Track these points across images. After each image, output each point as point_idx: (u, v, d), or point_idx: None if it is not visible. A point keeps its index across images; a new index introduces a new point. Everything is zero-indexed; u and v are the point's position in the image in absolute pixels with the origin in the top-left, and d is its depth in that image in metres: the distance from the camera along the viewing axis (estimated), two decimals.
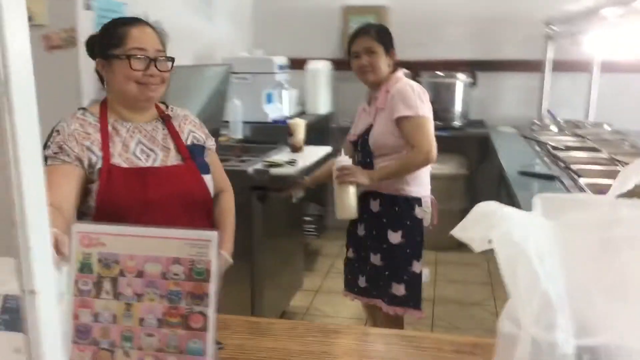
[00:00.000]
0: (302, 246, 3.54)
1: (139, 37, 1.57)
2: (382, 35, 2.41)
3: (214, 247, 0.88)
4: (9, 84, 0.57)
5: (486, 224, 0.88)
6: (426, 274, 2.51)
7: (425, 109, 2.34)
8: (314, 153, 3.05)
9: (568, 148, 3.29)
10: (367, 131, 2.42)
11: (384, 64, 2.39)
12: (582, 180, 2.45)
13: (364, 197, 2.44)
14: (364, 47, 2.38)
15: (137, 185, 1.53)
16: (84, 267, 0.91)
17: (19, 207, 0.59)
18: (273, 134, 3.74)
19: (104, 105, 1.64)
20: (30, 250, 0.60)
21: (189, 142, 1.68)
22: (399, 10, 4.53)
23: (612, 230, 0.90)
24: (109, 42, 1.57)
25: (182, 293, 0.89)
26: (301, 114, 4.45)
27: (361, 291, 2.53)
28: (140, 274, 0.90)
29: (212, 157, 1.77)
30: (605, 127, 3.97)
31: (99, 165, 1.53)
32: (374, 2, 4.48)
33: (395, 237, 2.38)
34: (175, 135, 1.67)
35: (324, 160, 3.05)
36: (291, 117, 4.02)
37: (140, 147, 1.60)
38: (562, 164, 2.84)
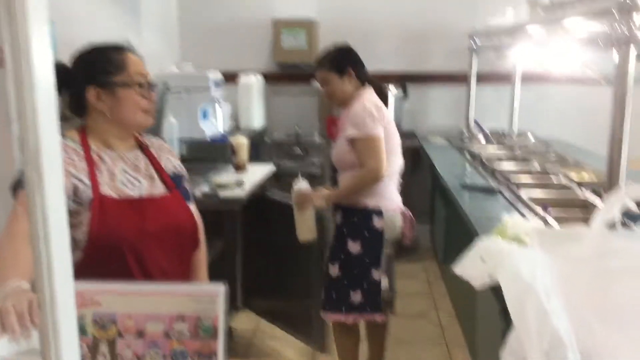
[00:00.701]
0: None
1: (137, 63, 1.57)
2: (334, 62, 2.52)
3: (221, 302, 0.84)
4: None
5: (490, 261, 0.89)
6: (385, 282, 2.58)
7: (374, 128, 2.40)
8: (257, 171, 3.00)
9: (500, 159, 3.42)
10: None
11: (340, 88, 2.51)
12: (523, 193, 2.55)
13: (332, 211, 2.57)
14: (320, 79, 2.57)
15: (134, 217, 1.48)
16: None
17: (48, 287, 0.53)
18: (211, 151, 3.65)
19: (82, 132, 1.56)
20: (60, 337, 0.54)
21: (170, 171, 1.65)
22: (327, 24, 4.56)
23: (607, 261, 0.94)
24: (108, 70, 1.51)
25: (187, 353, 0.84)
26: (235, 129, 4.38)
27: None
28: (140, 334, 0.84)
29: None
30: (529, 136, 4.16)
31: (88, 195, 1.45)
32: (303, 16, 4.48)
33: (354, 247, 2.48)
34: (156, 164, 1.63)
35: (275, 176, 3.04)
36: (227, 134, 3.94)
37: (126, 176, 1.55)
38: (500, 177, 2.94)
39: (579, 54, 3.14)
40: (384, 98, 2.59)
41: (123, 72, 1.53)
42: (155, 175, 1.61)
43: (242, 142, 2.95)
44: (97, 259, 1.42)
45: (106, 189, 1.49)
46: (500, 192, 2.69)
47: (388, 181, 2.51)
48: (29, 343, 1.05)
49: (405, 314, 3.59)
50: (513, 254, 0.90)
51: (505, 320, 2.11)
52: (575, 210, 2.42)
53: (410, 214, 2.63)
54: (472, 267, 0.92)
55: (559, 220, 2.16)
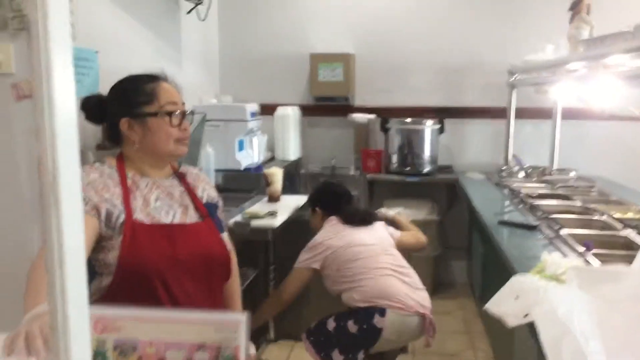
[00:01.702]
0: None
1: (169, 92, 1.59)
2: (308, 199, 2.97)
3: (242, 332, 0.82)
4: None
5: (525, 299, 0.85)
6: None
7: (302, 259, 2.63)
8: (291, 202, 3.00)
9: (540, 196, 3.33)
10: None
11: (312, 220, 2.90)
12: (563, 231, 2.47)
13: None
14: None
15: (165, 242, 1.49)
16: (97, 356, 0.83)
17: (61, 312, 0.52)
18: (246, 181, 3.68)
19: (120, 159, 1.59)
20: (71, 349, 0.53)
21: (204, 200, 1.66)
22: (364, 57, 4.59)
23: None
24: (138, 100, 1.53)
25: None
26: (271, 159, 4.41)
27: None
28: None
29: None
30: (571, 173, 4.06)
31: (121, 220, 1.47)
32: (341, 50, 4.53)
33: (352, 328, 2.51)
34: (191, 193, 1.64)
35: (301, 209, 3.05)
36: (263, 165, 3.97)
37: (159, 203, 1.57)
38: (539, 213, 2.86)
39: (620, 90, 3.07)
40: (359, 221, 2.75)
41: (153, 102, 1.55)
42: (190, 204, 1.61)
43: (276, 173, 2.96)
44: (126, 283, 1.43)
45: (139, 215, 1.50)
46: (540, 229, 2.61)
47: (383, 280, 2.54)
48: None
49: (441, 352, 3.49)
50: (549, 292, 0.86)
51: None
52: (618, 250, 2.33)
53: (431, 317, 2.61)
54: (506, 304, 0.88)
55: (600, 259, 2.08)
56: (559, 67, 3.40)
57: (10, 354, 1.05)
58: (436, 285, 4.43)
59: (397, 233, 2.85)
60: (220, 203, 1.75)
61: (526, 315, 0.87)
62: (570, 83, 3.55)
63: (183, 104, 1.62)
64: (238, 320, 0.82)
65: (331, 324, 2.55)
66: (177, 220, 1.56)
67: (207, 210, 1.63)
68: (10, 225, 2.38)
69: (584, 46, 2.84)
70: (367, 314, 2.48)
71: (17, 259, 2.15)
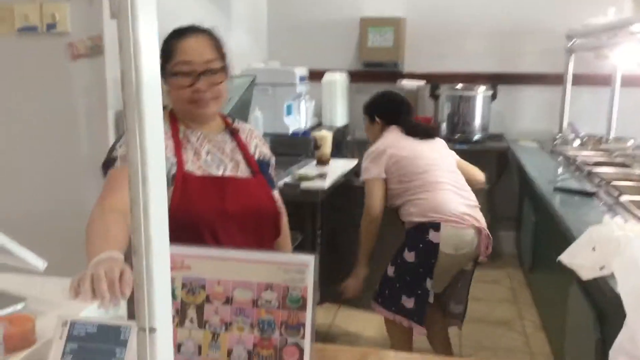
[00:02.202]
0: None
1: (186, 50, 1.51)
2: (366, 108, 2.84)
3: (311, 273, 0.81)
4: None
5: (603, 250, 0.81)
6: (431, 293, 2.53)
7: (370, 172, 2.59)
8: (340, 166, 2.98)
9: (597, 164, 3.22)
10: None
11: (370, 131, 2.81)
12: (623, 198, 2.38)
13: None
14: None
15: (215, 195, 1.49)
16: None
17: (145, 235, 0.52)
18: (293, 146, 3.67)
19: (172, 113, 1.60)
20: (154, 284, 0.53)
21: (256, 157, 1.64)
22: (416, 21, 4.49)
23: None
24: (162, 57, 1.51)
25: (274, 323, 0.81)
26: (318, 125, 4.39)
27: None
28: (228, 301, 0.83)
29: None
30: (629, 142, 3.91)
31: (173, 172, 1.48)
32: (391, 14, 4.43)
33: (409, 256, 2.51)
34: (243, 149, 1.62)
35: (349, 174, 3.02)
36: (310, 130, 3.95)
37: (210, 156, 1.56)
38: (597, 180, 2.77)
39: None
40: (421, 134, 2.70)
41: (171, 60, 1.51)
42: (241, 160, 1.60)
43: (325, 136, 2.94)
44: (177, 234, 1.43)
45: (190, 166, 1.51)
46: (598, 196, 2.53)
47: (435, 193, 2.51)
48: (116, 311, 1.07)
49: (488, 321, 3.45)
50: (632, 243, 0.82)
51: (600, 330, 1.97)
52: None
53: (487, 231, 2.56)
54: (581, 256, 0.85)
55: None
56: (622, 30, 3.24)
57: (77, 296, 1.07)
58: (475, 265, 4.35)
59: (457, 156, 2.80)
60: (273, 161, 1.74)
61: (602, 267, 0.83)
62: (633, 46, 3.39)
63: (209, 61, 1.52)
64: (307, 261, 0.81)
65: (390, 270, 2.55)
66: (227, 174, 1.56)
67: (258, 167, 1.62)
68: (70, 179, 2.44)
69: None
70: (422, 231, 2.47)
71: (76, 213, 2.21)
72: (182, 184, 1.47)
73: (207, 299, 0.83)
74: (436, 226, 2.46)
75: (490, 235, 2.58)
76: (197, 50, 1.51)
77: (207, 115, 1.57)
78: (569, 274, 2.54)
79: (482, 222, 2.56)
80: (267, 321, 0.82)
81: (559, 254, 2.88)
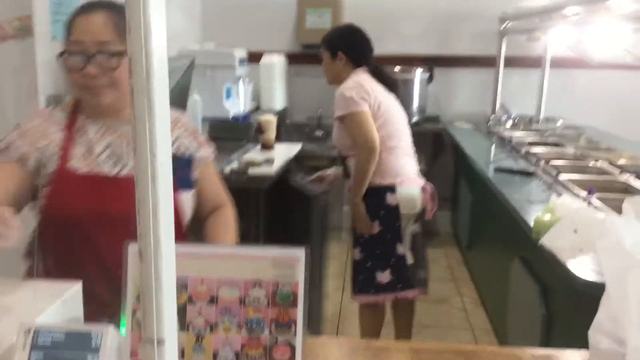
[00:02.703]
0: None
1: (80, 27, 1.31)
2: (329, 41, 2.59)
3: (301, 267, 0.77)
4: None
5: (586, 232, 0.82)
6: (409, 255, 2.56)
7: (357, 104, 2.40)
8: (285, 151, 2.93)
9: (531, 144, 3.33)
10: None
11: (330, 66, 2.57)
12: (562, 177, 2.47)
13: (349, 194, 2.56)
14: (320, 55, 2.62)
15: (94, 195, 1.32)
16: None
17: (154, 237, 0.47)
18: (234, 130, 3.58)
19: (78, 101, 1.42)
20: (163, 292, 0.48)
21: (172, 151, 1.48)
22: (353, 3, 4.47)
23: None
24: (64, 35, 1.35)
25: (264, 321, 0.78)
26: (256, 109, 4.31)
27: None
28: (213, 300, 0.78)
29: (204, 171, 1.50)
30: (558, 122, 4.07)
31: (52, 168, 1.32)
32: None
33: (373, 227, 2.48)
34: None
35: (296, 159, 2.98)
36: (249, 114, 3.88)
37: (109, 151, 1.37)
38: (534, 160, 2.86)
39: (619, 34, 3.05)
40: (385, 82, 2.58)
41: (67, 39, 1.33)
42: None
43: (270, 120, 2.88)
44: (49, 236, 1.32)
45: (77, 163, 1.35)
46: (537, 175, 2.61)
47: (397, 156, 2.49)
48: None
49: (428, 299, 3.52)
50: (615, 224, 0.83)
51: (545, 305, 2.05)
52: (619, 194, 2.34)
53: (432, 187, 2.61)
54: (563, 238, 0.85)
55: (604, 203, 2.09)
56: (555, 12, 3.35)
57: None
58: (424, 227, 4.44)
59: None
60: (202, 154, 1.48)
61: (581, 249, 0.84)
62: (565, 28, 3.51)
63: (103, 42, 1.30)
64: (297, 255, 0.78)
65: (356, 253, 2.53)
66: (125, 173, 1.36)
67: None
68: None
69: None
70: (379, 195, 2.44)
71: None
72: (57, 183, 1.32)
73: (190, 300, 0.78)
74: (392, 189, 2.46)
75: (434, 191, 2.62)
76: (91, 29, 1.30)
77: (103, 105, 1.35)
78: (509, 250, 2.64)
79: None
80: (256, 320, 0.78)
81: (498, 231, 2.99)
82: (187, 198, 1.45)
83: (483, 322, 3.24)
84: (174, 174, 1.38)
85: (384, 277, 2.49)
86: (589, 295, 1.06)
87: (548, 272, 2.02)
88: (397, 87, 2.65)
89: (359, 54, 2.56)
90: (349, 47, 2.55)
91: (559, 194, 2.23)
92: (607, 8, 2.67)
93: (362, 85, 2.45)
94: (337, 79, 2.53)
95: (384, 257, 2.49)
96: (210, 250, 0.79)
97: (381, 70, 2.62)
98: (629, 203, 0.94)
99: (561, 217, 1.79)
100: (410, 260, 2.54)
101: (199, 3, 4.57)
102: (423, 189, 2.55)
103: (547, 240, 0.86)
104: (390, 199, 2.46)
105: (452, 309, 3.44)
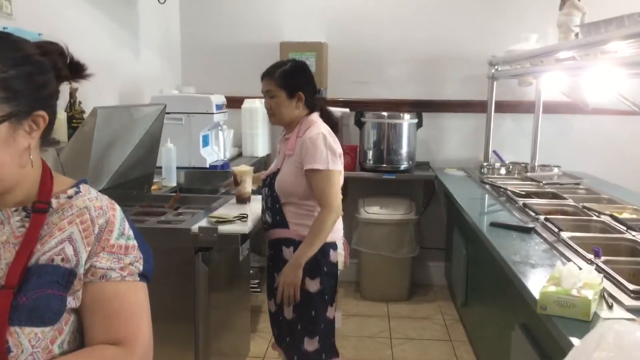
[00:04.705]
0: (248, 307, 3.15)
1: None
2: (287, 79, 2.27)
3: None
4: None
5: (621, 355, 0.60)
6: (339, 317, 2.38)
7: (336, 161, 2.24)
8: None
9: (528, 194, 3.13)
10: (275, 175, 2.32)
11: (286, 108, 2.29)
12: (565, 235, 2.25)
13: (275, 245, 2.33)
14: (265, 90, 2.32)
15: None
16: None
17: None
18: (211, 180, 3.37)
19: None
20: None
21: (43, 259, 1.00)
22: (337, 47, 4.32)
23: None
24: None
25: None
26: (238, 156, 4.11)
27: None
28: None
29: (100, 292, 1.04)
30: (555, 169, 3.88)
31: None
32: (312, 39, 4.24)
33: (313, 285, 2.25)
34: (27, 243, 1.01)
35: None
36: (230, 162, 3.66)
37: None
38: (532, 214, 2.65)
39: (614, 79, 2.89)
40: (334, 126, 2.40)
41: None
42: (10, 260, 1.00)
43: (245, 171, 2.65)
44: None
45: None
46: (536, 232, 2.39)
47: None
48: None
49: None
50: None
51: None
52: (626, 256, 2.13)
53: (345, 239, 2.45)
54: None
55: (610, 266, 1.86)
56: (547, 57, 3.19)
57: None
58: (413, 287, 4.20)
59: None
60: (102, 266, 1.04)
61: None
62: (558, 74, 3.36)
63: None
64: None
65: (288, 312, 2.27)
66: None
67: (21, 278, 0.97)
68: None
69: (583, 32, 2.62)
70: (324, 252, 2.23)
71: None
72: None
73: None
74: (335, 246, 2.29)
75: (347, 242, 2.47)
76: None
77: None
78: (509, 315, 2.40)
79: None
80: None
81: (496, 291, 2.75)
82: (31, 335, 0.97)
83: None
84: (24, 295, 0.94)
85: (312, 345, 2.26)
86: None
87: (552, 344, 1.79)
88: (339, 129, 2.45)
89: (314, 94, 2.36)
90: (307, 86, 2.31)
91: (563, 260, 2.01)
92: (602, 52, 2.51)
93: (334, 137, 2.29)
94: (291, 122, 2.30)
95: (316, 320, 2.25)
96: None
97: (330, 113, 2.44)
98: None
99: (567, 288, 1.57)
100: (339, 323, 2.35)
101: (178, 47, 4.41)
102: (344, 243, 2.41)
103: None
104: (332, 255, 2.28)
105: None
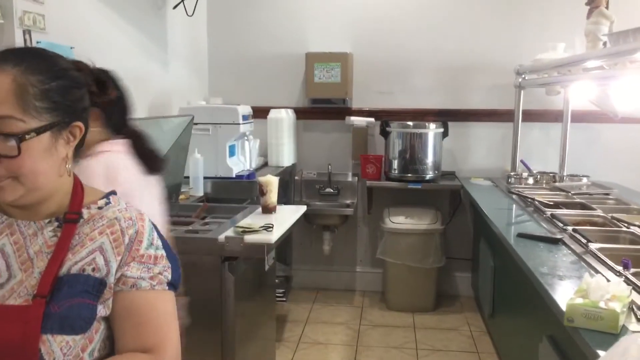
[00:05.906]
0: (273, 316, 3.17)
1: None
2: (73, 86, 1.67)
3: None
4: None
5: None
6: None
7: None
8: (288, 214, 2.72)
9: (556, 205, 3.09)
10: None
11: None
12: (593, 246, 2.22)
13: None
14: None
15: None
16: None
17: None
18: (237, 190, 3.41)
19: None
20: None
21: (75, 268, 1.03)
22: (363, 57, 4.34)
23: None
24: None
25: None
26: (264, 166, 4.15)
27: None
28: None
29: (128, 301, 1.06)
30: (584, 179, 3.83)
31: None
32: (338, 49, 4.26)
33: None
34: (59, 252, 1.04)
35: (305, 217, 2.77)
36: (256, 172, 3.70)
37: None
38: (560, 224, 2.62)
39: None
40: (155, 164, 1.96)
41: None
42: (40, 269, 1.03)
43: (271, 182, 2.67)
44: None
45: None
46: (564, 243, 2.36)
47: None
48: None
49: None
50: None
51: None
52: None
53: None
54: None
55: None
56: (574, 66, 3.16)
57: None
58: (439, 298, 4.17)
59: None
60: (110, 278, 1.05)
61: None
62: (586, 83, 3.32)
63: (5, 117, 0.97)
64: None
65: None
66: (4, 289, 1.02)
67: (52, 288, 1.00)
68: None
69: (611, 41, 2.59)
70: None
71: None
72: None
73: None
74: None
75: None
76: None
77: (3, 202, 1.04)
78: (536, 327, 2.37)
79: None
80: None
81: (523, 303, 2.72)
82: (61, 343, 0.99)
83: None
84: (57, 304, 0.97)
85: None
86: None
87: (580, 357, 1.76)
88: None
89: (118, 115, 1.82)
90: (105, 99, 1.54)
91: (591, 272, 1.98)
92: (630, 62, 2.48)
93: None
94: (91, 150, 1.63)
95: None
96: None
97: (150, 147, 1.96)
98: None
99: (595, 300, 1.55)
100: None
101: (206, 58, 4.47)
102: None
103: None
104: None
105: None
